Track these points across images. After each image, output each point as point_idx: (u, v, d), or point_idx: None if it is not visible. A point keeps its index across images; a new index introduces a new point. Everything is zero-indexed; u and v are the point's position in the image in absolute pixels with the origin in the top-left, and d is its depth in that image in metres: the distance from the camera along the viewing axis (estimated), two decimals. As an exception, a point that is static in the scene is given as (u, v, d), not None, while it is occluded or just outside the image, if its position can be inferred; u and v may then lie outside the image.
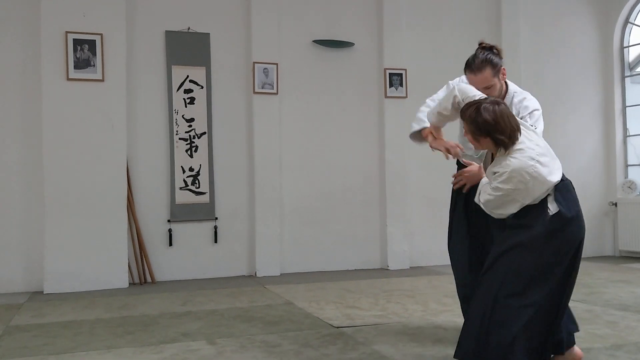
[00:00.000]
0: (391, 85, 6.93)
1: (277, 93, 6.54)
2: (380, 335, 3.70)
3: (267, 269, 6.44)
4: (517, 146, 2.75)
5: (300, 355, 3.26)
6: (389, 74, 6.93)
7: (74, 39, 5.74)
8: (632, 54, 7.98)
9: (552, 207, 2.79)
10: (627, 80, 7.95)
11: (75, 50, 5.75)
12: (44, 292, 5.57)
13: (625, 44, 7.95)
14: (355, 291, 5.37)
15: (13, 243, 5.72)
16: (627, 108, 7.91)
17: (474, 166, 3.38)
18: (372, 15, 7.00)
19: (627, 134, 7.93)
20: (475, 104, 2.83)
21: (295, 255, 6.64)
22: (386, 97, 6.93)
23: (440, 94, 3.64)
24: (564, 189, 2.88)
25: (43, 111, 5.68)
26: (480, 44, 3.45)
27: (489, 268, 2.74)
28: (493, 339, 2.63)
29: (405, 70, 6.99)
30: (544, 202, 2.78)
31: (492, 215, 2.84)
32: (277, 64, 6.53)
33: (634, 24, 7.89)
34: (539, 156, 2.81)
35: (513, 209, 2.73)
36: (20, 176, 5.76)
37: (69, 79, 5.73)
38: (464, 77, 3.55)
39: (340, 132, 6.87)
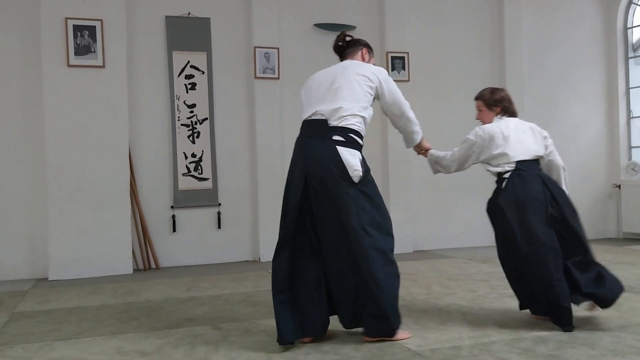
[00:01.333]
0: (393, 68, 6.90)
1: (278, 78, 6.51)
2: (384, 318, 3.70)
3: (270, 254, 6.33)
4: None
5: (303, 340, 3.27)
6: (391, 57, 6.89)
7: (74, 25, 5.71)
8: (635, 35, 7.92)
9: None
10: (631, 61, 7.89)
11: (75, 36, 5.72)
12: (49, 279, 5.59)
13: (628, 25, 7.89)
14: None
15: (17, 230, 5.73)
16: (630, 90, 7.87)
17: None
18: (373, -2, 6.96)
19: (631, 116, 7.89)
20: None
21: (299, 240, 6.64)
22: (388, 80, 6.89)
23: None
24: None
25: (44, 98, 5.67)
26: None
27: None
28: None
29: (408, 53, 6.95)
30: None
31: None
32: (278, 49, 6.50)
33: (637, 4, 7.82)
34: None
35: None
36: (24, 163, 5.77)
37: (69, 66, 5.71)
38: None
39: (343, 117, 6.83)
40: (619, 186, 7.77)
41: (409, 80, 6.94)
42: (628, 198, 7.64)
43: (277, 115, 6.54)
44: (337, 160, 3.14)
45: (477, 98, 3.85)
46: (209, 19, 6.37)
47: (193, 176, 6.30)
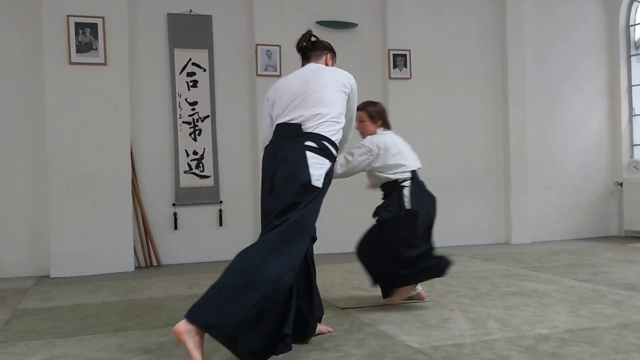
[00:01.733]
0: (395, 66, 6.89)
1: (280, 75, 6.50)
2: (385, 316, 3.71)
3: (272, 252, 6.44)
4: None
5: (306, 337, 3.27)
6: (393, 55, 6.88)
7: (75, 23, 5.71)
8: (637, 33, 7.90)
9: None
10: (633, 59, 7.88)
11: (77, 34, 5.72)
12: (51, 276, 5.60)
13: (631, 23, 7.87)
14: (360, 273, 5.35)
15: (19, 228, 5.74)
16: (632, 87, 7.85)
17: None
18: (375, -4, 6.94)
19: (633, 114, 7.87)
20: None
21: (300, 237, 6.64)
22: (390, 78, 6.89)
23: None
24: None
25: (46, 96, 5.67)
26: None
27: None
28: None
29: (410, 51, 6.94)
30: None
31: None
32: (279, 46, 6.49)
33: (639, 2, 7.82)
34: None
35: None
36: (26, 161, 5.77)
37: (71, 63, 5.71)
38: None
39: (344, 114, 6.83)
40: (621, 184, 7.76)
41: (410, 78, 6.94)
42: (630, 196, 7.63)
43: (278, 112, 6.52)
44: (302, 166, 2.94)
45: (360, 109, 3.90)
46: (211, 16, 6.36)
47: (194, 174, 6.31)
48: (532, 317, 3.58)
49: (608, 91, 7.90)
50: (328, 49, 3.46)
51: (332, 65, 3.44)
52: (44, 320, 3.84)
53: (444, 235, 7.17)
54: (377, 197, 7.02)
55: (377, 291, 4.49)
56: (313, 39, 3.44)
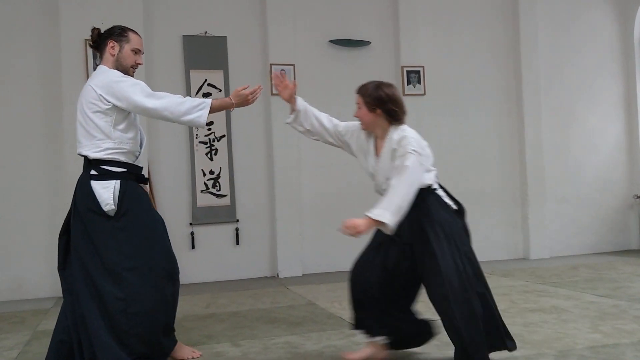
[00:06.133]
0: (409, 82, 6.91)
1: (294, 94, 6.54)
2: (403, 334, 3.68)
3: (288, 270, 6.46)
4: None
5: (323, 356, 3.27)
6: (407, 71, 6.91)
7: (93, 46, 5.80)
8: (653, 44, 7.86)
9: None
10: (649, 71, 7.82)
11: (94, 57, 5.81)
12: (70, 297, 5.64)
13: (646, 35, 7.83)
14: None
15: (39, 249, 5.80)
16: (649, 99, 7.79)
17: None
18: (388, 13, 6.99)
19: (651, 126, 7.80)
20: (375, 82, 3.14)
21: (317, 255, 6.65)
22: (404, 94, 6.90)
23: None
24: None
25: (64, 118, 5.76)
26: None
27: None
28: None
29: (423, 67, 6.96)
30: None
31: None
32: (293, 65, 6.55)
33: (654, 13, 7.77)
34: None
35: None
36: (45, 182, 5.85)
37: (89, 86, 5.79)
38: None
39: (359, 131, 6.85)
40: (640, 197, 7.68)
41: (424, 94, 6.95)
42: (650, 209, 7.53)
43: (293, 131, 6.52)
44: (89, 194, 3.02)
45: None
46: (226, 37, 6.44)
47: (211, 193, 6.35)
48: (552, 334, 3.54)
49: (625, 104, 7.84)
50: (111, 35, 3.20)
51: (118, 52, 3.18)
52: (63, 341, 3.86)
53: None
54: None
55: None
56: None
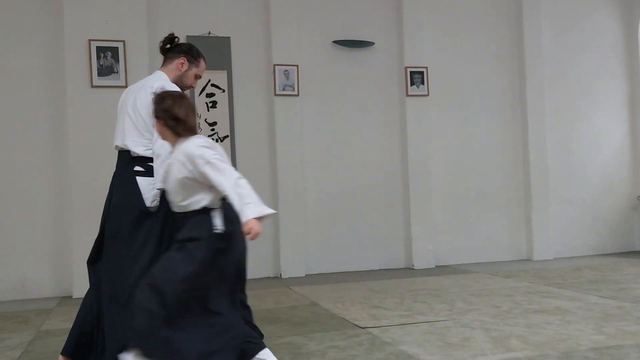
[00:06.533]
0: (412, 83, 6.91)
1: (298, 94, 6.56)
2: (406, 335, 3.69)
3: (292, 270, 6.46)
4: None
5: (326, 356, 3.27)
6: (410, 72, 6.90)
7: (97, 47, 5.82)
8: (658, 45, 7.84)
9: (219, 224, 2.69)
10: (654, 72, 7.81)
11: (98, 57, 5.83)
12: (73, 297, 5.65)
13: (650, 35, 7.81)
14: (381, 291, 5.36)
15: (42, 249, 5.82)
16: (654, 100, 7.77)
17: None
18: (391, 14, 6.98)
19: (655, 127, 7.79)
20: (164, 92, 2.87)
21: (320, 255, 6.65)
22: (407, 95, 6.90)
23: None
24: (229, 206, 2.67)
25: (68, 119, 5.77)
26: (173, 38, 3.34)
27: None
28: None
29: (427, 68, 6.95)
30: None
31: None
32: (297, 66, 6.55)
33: (659, 14, 7.75)
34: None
35: None
36: (49, 182, 5.86)
37: (93, 86, 5.81)
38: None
39: (362, 132, 6.86)
40: (644, 198, 7.66)
41: (428, 95, 6.95)
42: (654, 210, 7.51)
43: (297, 131, 6.58)
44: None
45: None
46: (229, 38, 6.44)
47: (214, 193, 6.34)
48: (555, 335, 3.53)
49: (629, 105, 7.83)
50: (184, 51, 3.26)
51: (187, 70, 3.25)
52: (67, 341, 3.87)
53: (465, 252, 7.15)
54: (397, 213, 7.01)
55: (397, 310, 4.48)
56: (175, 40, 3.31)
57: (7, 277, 5.71)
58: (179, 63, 3.25)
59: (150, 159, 3.02)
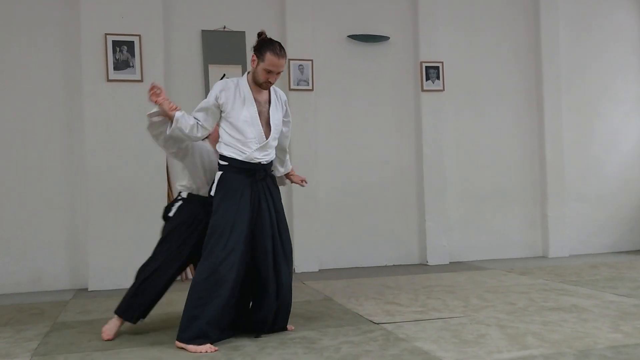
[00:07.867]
0: (428, 78, 6.87)
1: (312, 89, 6.54)
2: (421, 331, 3.67)
3: (305, 265, 6.46)
4: None
5: (340, 351, 3.26)
6: (425, 67, 6.86)
7: (113, 41, 5.84)
8: (677, 41, 7.73)
9: None
10: (673, 67, 7.70)
11: (114, 51, 5.85)
12: (89, 289, 5.70)
13: (670, 31, 7.70)
14: (395, 287, 5.34)
15: (58, 241, 5.86)
16: (673, 96, 7.67)
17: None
18: (407, 8, 6.94)
19: (674, 123, 7.68)
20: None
21: (334, 251, 6.64)
22: (423, 90, 6.86)
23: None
24: None
25: (85, 113, 5.80)
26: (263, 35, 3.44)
27: None
28: None
29: (442, 63, 6.91)
30: None
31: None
32: (312, 60, 6.54)
33: (679, 9, 7.64)
34: None
35: None
36: (65, 176, 5.90)
37: (108, 80, 5.83)
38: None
39: (377, 127, 6.84)
40: (662, 195, 7.57)
41: (443, 90, 6.90)
42: (672, 208, 7.42)
43: (311, 126, 6.56)
44: None
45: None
46: (244, 32, 6.44)
47: (229, 188, 6.35)
48: (571, 333, 3.50)
49: (647, 101, 7.74)
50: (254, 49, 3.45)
51: (256, 65, 3.42)
52: (82, 334, 3.90)
53: (480, 248, 7.11)
54: (411, 209, 6.98)
55: (412, 306, 4.47)
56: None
57: (23, 269, 5.77)
58: (252, 61, 3.37)
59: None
